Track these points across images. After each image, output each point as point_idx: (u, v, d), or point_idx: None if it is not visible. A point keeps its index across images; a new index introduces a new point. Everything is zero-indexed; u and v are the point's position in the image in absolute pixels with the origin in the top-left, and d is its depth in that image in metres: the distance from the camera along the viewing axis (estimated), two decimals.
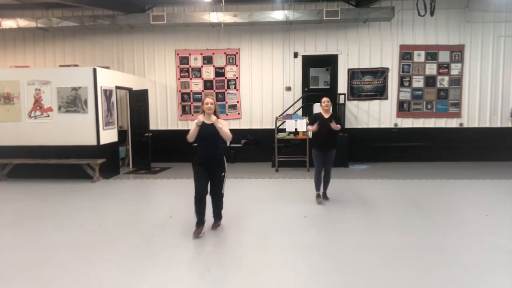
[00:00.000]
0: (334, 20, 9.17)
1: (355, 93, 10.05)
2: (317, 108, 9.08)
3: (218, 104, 9.99)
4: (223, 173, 4.63)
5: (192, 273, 3.57)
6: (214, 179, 4.62)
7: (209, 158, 4.58)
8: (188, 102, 10.34)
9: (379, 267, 3.68)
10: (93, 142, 7.94)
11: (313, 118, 6.18)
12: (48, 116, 8.05)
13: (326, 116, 6.01)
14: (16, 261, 3.94)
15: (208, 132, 4.53)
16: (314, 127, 5.79)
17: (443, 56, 9.82)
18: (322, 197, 6.06)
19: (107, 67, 9.23)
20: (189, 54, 10.26)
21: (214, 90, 10.29)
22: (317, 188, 6.09)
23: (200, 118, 4.49)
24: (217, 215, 4.82)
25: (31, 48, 10.49)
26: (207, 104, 4.55)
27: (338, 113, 9.54)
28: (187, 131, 4.63)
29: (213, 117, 4.56)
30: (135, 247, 4.26)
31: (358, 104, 10.08)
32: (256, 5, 9.74)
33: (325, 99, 6.14)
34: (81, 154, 7.92)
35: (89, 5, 9.06)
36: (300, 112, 9.29)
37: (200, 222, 4.56)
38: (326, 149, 5.95)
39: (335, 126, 5.77)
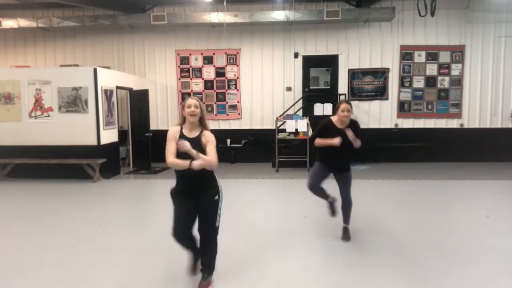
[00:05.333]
0: (335, 20, 9.16)
1: (355, 93, 10.04)
2: (317, 109, 9.09)
3: (218, 104, 10.36)
4: (216, 197, 3.23)
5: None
6: (202, 206, 3.21)
7: (194, 183, 3.16)
8: None
9: (380, 267, 3.67)
10: (94, 142, 7.93)
11: (321, 128, 4.32)
12: (49, 116, 8.05)
13: (341, 127, 4.18)
14: (16, 261, 3.94)
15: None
16: (338, 140, 4.06)
17: (444, 57, 9.81)
18: (344, 235, 4.43)
19: (108, 67, 9.22)
20: (190, 54, 10.26)
21: (215, 90, 10.29)
22: (324, 198, 4.55)
23: (186, 145, 2.97)
24: (207, 266, 3.31)
25: (31, 48, 10.50)
26: (189, 107, 3.14)
27: None
28: None
29: (206, 133, 3.21)
30: (135, 247, 4.26)
31: (359, 104, 10.07)
32: (257, 5, 9.74)
33: (345, 106, 4.12)
34: (82, 154, 7.91)
35: (90, 5, 9.07)
36: (300, 113, 9.29)
37: (195, 256, 3.40)
38: (339, 170, 4.32)
39: (353, 137, 4.09)
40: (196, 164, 2.98)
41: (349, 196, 4.37)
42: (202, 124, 3.23)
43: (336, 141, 4.06)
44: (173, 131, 3.20)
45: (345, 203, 4.40)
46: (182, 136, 3.14)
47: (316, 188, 4.43)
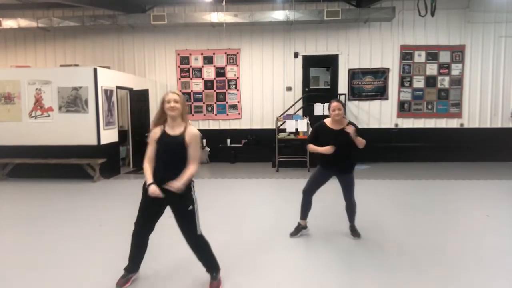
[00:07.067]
0: (335, 20, 9.17)
1: (355, 93, 10.04)
2: (318, 108, 9.09)
3: (218, 104, 10.36)
4: (190, 207, 3.12)
5: (192, 274, 3.56)
6: (178, 219, 3.18)
7: (166, 191, 3.03)
8: (188, 102, 10.34)
9: (380, 267, 3.67)
10: (94, 142, 7.93)
11: (315, 132, 4.23)
12: (49, 116, 8.05)
13: (336, 128, 4.10)
14: (16, 261, 3.94)
15: (170, 147, 3.04)
16: (328, 149, 3.94)
17: (444, 57, 9.81)
18: (353, 233, 4.45)
19: (108, 67, 9.23)
20: (190, 54, 10.26)
21: (215, 90, 10.30)
22: (303, 215, 4.49)
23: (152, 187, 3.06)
24: (211, 266, 3.28)
25: (32, 48, 10.50)
26: (169, 102, 3.03)
27: None
28: None
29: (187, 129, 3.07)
30: None
31: (359, 104, 10.08)
32: (257, 5, 9.74)
33: (335, 104, 4.01)
34: (82, 154, 7.91)
35: (90, 5, 9.07)
36: (300, 112, 9.29)
37: (132, 268, 3.33)
38: (340, 172, 4.21)
39: (354, 133, 3.91)
40: (152, 190, 3.03)
41: (352, 199, 4.35)
42: (183, 119, 3.09)
43: (328, 148, 3.96)
44: (154, 132, 3.11)
45: (348, 206, 4.41)
46: (163, 135, 3.05)
47: (307, 197, 4.40)
